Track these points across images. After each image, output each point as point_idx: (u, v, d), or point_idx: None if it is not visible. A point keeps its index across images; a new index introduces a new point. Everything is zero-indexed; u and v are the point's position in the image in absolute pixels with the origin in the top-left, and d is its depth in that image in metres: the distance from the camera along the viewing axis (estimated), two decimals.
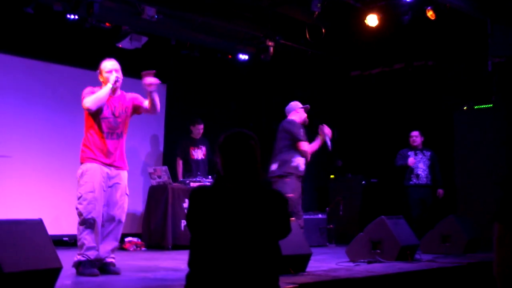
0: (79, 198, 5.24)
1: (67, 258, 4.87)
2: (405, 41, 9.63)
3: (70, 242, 8.41)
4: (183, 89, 10.37)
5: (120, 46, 8.57)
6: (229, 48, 9.62)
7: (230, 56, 9.90)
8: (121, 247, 8.06)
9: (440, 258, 6.84)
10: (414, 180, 9.03)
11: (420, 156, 9.11)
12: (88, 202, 5.20)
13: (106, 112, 5.43)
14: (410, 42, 9.67)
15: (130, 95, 5.71)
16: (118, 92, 5.60)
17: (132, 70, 9.35)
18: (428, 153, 9.13)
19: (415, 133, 9.20)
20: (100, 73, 5.51)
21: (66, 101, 8.81)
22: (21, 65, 8.47)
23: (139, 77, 9.50)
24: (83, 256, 5.17)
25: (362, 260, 6.42)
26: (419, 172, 9.01)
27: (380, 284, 5.23)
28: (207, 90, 10.64)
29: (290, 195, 6.64)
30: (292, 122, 7.21)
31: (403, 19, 8.56)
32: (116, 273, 5.32)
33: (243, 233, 2.76)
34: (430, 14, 8.35)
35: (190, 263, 2.82)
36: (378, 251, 6.59)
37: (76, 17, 7.86)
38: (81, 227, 5.22)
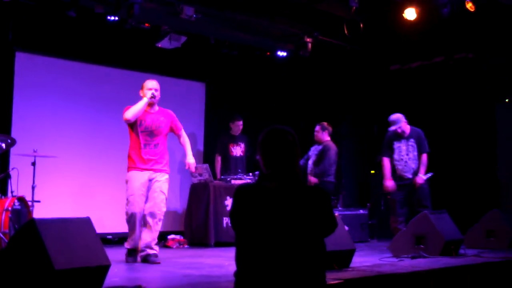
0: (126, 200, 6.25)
1: (113, 256, 4.96)
2: (444, 34, 9.50)
3: (113, 240, 8.54)
4: (222, 87, 10.43)
5: (160, 46, 8.66)
6: (267, 45, 9.61)
7: (268, 54, 9.91)
8: (164, 244, 8.16)
9: (485, 253, 6.76)
10: None
11: None
12: (130, 203, 6.19)
13: (143, 127, 6.27)
14: (450, 35, 9.54)
15: (170, 115, 6.47)
16: (156, 108, 6.42)
17: (172, 69, 9.50)
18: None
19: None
20: (142, 88, 6.38)
21: (107, 101, 8.95)
22: (63, 67, 8.63)
23: (179, 76, 9.66)
24: None
25: (405, 256, 6.38)
26: None
27: (425, 279, 5.20)
28: (246, 88, 10.67)
29: None
30: None
31: (443, 12, 8.44)
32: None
33: (288, 230, 2.77)
34: (469, 6, 8.22)
35: (237, 261, 2.84)
36: (422, 246, 6.54)
37: (117, 18, 7.97)
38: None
